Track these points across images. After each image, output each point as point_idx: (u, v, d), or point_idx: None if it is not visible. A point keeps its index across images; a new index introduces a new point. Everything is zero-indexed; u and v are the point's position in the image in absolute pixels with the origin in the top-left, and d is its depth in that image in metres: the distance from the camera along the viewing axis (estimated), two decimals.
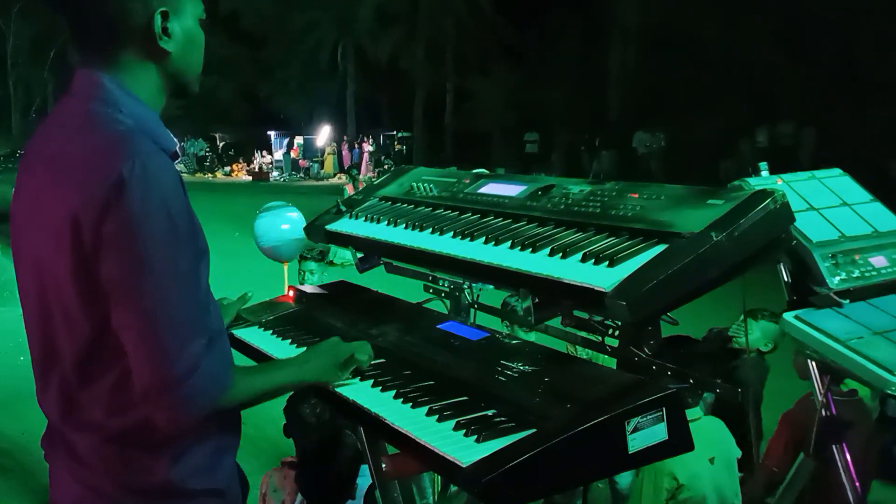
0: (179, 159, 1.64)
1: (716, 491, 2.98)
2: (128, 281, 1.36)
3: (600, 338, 1.83)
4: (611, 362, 1.94)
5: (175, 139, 1.57)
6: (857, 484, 2.34)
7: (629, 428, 1.40)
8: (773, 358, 4.05)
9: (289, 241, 5.64)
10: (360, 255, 2.35)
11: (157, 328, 1.36)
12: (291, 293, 2.44)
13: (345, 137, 30.38)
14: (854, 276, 2.00)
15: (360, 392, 1.69)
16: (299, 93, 31.78)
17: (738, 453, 3.19)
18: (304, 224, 5.71)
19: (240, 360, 1.77)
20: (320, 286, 2.56)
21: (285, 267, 6.03)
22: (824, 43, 17.19)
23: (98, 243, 1.36)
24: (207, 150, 31.29)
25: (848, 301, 1.99)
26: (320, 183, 26.41)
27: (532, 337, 2.00)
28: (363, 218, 2.32)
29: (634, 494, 3.06)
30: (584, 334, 1.93)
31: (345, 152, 29.12)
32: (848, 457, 2.32)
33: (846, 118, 15.92)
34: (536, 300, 1.68)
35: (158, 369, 1.37)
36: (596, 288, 1.50)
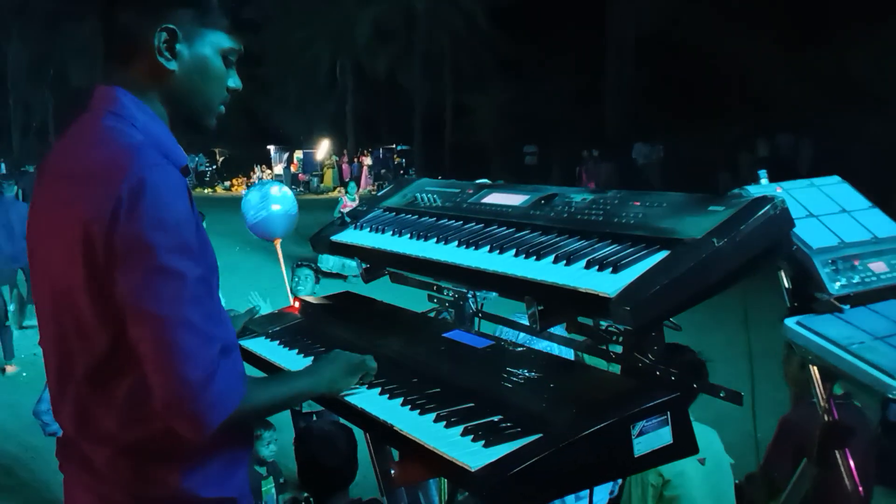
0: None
1: (709, 493, 3.00)
2: (140, 293, 1.38)
3: (604, 344, 1.85)
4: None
5: (185, 155, 1.59)
6: (861, 490, 2.36)
7: (634, 432, 1.42)
8: (763, 365, 4.07)
9: (278, 215, 5.70)
10: (364, 265, 2.37)
11: (172, 337, 1.38)
12: (297, 304, 2.47)
13: (344, 151, 30.44)
14: (854, 281, 2.02)
15: (369, 400, 1.71)
16: (298, 108, 31.86)
17: (731, 460, 3.21)
18: (293, 201, 5.74)
19: (248, 370, 1.80)
20: (325, 297, 2.58)
21: (284, 273, 6.08)
22: (822, 54, 17.28)
23: (110, 257, 1.38)
24: (207, 164, 31.37)
25: (848, 306, 2.01)
26: (319, 196, 26.48)
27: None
28: (367, 228, 2.34)
29: (624, 489, 3.09)
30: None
31: (345, 166, 29.20)
32: (851, 463, 2.34)
33: (844, 130, 15.97)
34: (541, 307, 1.70)
35: (177, 379, 1.38)
36: (600, 294, 1.52)
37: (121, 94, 1.52)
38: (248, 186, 29.48)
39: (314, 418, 4.89)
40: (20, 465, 5.40)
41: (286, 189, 6.09)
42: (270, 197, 5.73)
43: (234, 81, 1.65)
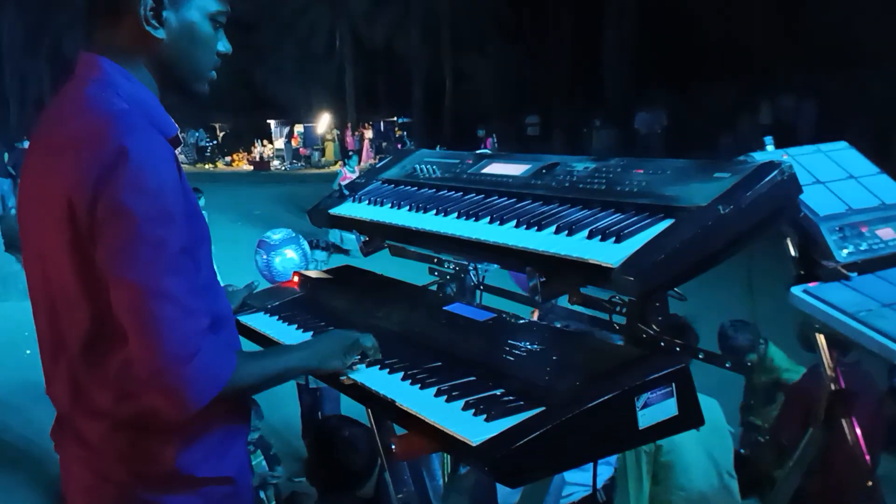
0: (180, 149, 1.62)
1: (705, 459, 3.00)
2: (120, 259, 1.35)
3: (608, 315, 1.83)
4: None
5: (176, 125, 1.55)
6: (868, 457, 2.35)
7: (639, 403, 1.40)
8: (771, 332, 4.06)
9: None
10: (364, 238, 2.34)
11: (151, 308, 1.34)
12: (296, 278, 2.44)
13: (348, 124, 30.24)
14: (861, 248, 1.99)
15: (369, 375, 1.68)
16: (296, 78, 31.57)
17: (731, 428, 3.21)
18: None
19: (247, 345, 1.77)
20: (325, 271, 2.55)
21: None
22: (823, 14, 17.07)
23: (92, 224, 1.36)
24: (207, 139, 31.24)
25: (856, 274, 1.98)
26: (321, 171, 26.42)
27: None
28: (366, 201, 2.31)
29: (619, 456, 3.09)
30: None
31: (348, 138, 29.04)
32: (858, 430, 2.33)
33: (845, 90, 15.84)
34: (543, 279, 1.67)
35: (156, 353, 1.34)
36: (603, 264, 1.49)
37: (105, 63, 1.48)
38: (248, 161, 29.47)
39: (319, 398, 4.91)
40: (25, 441, 5.43)
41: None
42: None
43: (223, 45, 1.60)
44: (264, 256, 5.15)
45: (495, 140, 21.64)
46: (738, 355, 3.84)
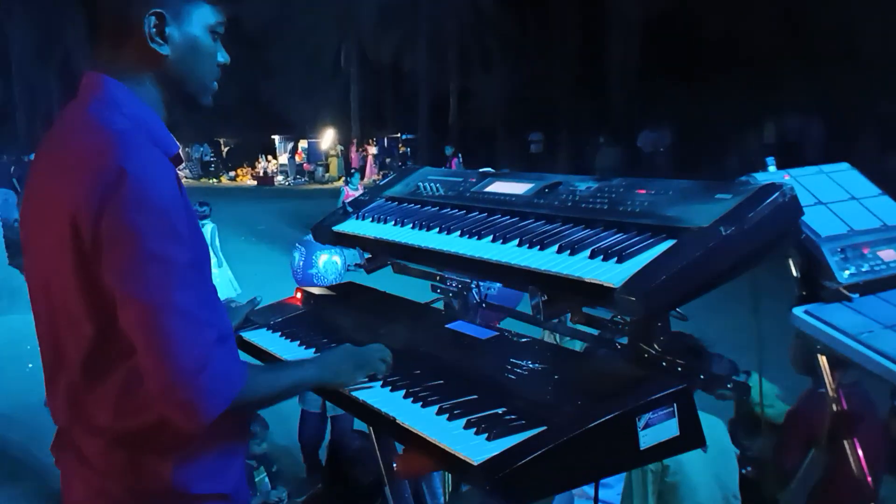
0: (184, 165, 1.63)
1: (711, 481, 2.99)
2: (128, 278, 1.36)
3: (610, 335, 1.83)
4: None
5: (178, 143, 1.57)
6: (870, 479, 2.34)
7: (640, 424, 1.40)
8: (776, 352, 4.02)
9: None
10: (367, 255, 2.35)
11: (162, 323, 1.35)
12: (299, 295, 2.45)
13: (352, 140, 30.30)
14: (863, 269, 2.00)
15: (371, 392, 1.69)
16: (301, 94, 31.69)
17: (735, 450, 3.19)
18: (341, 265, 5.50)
19: (248, 362, 1.78)
20: (328, 287, 2.56)
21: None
22: (829, 30, 17.08)
23: (97, 242, 1.37)
24: (212, 155, 31.35)
25: (857, 295, 1.98)
26: (325, 186, 26.47)
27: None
28: (370, 218, 2.32)
29: (626, 474, 3.07)
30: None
31: (353, 154, 29.09)
32: (860, 452, 2.32)
33: (853, 107, 15.82)
34: (545, 298, 1.67)
35: (169, 365, 1.35)
36: (605, 284, 1.50)
37: (108, 82, 1.50)
38: (252, 176, 29.56)
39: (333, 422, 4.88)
40: (26, 454, 5.42)
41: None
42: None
43: (222, 56, 1.62)
44: (336, 260, 4.85)
45: (461, 160, 21.64)
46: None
